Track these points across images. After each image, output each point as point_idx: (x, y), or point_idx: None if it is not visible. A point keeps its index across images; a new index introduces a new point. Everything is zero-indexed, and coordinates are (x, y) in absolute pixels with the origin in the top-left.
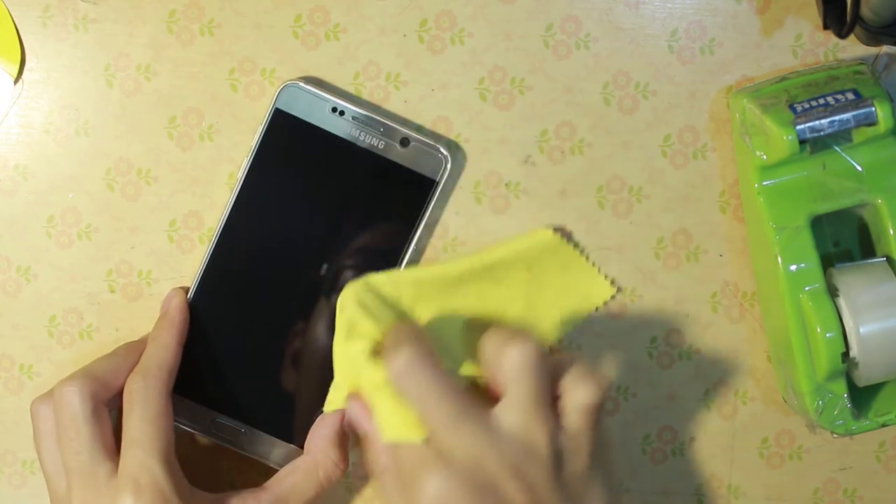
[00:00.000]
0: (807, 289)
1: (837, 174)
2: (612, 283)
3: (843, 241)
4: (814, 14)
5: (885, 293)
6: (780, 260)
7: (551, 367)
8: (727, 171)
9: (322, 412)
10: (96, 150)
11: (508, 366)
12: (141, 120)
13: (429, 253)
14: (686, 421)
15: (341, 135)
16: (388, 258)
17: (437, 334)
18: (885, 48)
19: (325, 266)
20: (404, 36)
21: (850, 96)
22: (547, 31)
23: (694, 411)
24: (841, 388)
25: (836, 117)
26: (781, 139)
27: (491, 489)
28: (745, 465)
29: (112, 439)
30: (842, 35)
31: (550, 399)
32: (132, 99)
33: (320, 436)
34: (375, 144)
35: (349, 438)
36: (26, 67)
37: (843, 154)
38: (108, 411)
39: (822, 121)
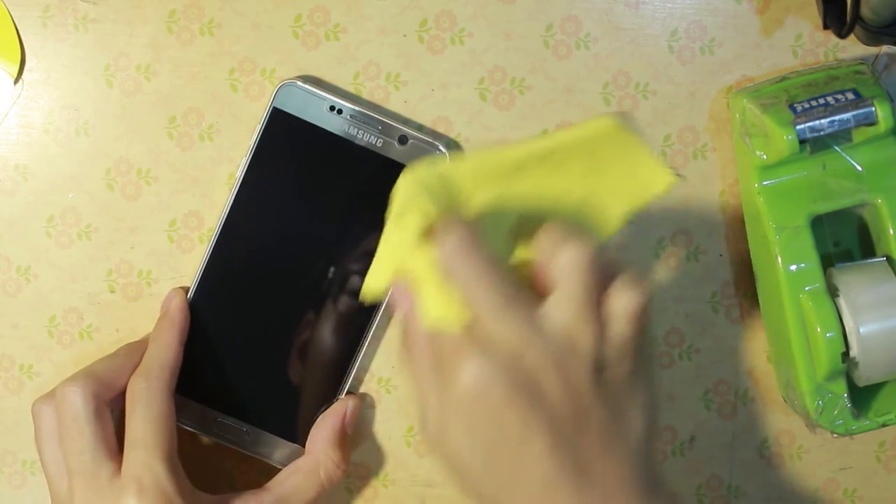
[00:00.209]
0: (807, 289)
1: (837, 174)
2: (671, 170)
3: (843, 241)
4: (814, 14)
5: (885, 293)
6: (780, 260)
7: (602, 269)
8: (727, 171)
9: (324, 412)
10: (96, 150)
11: (564, 262)
12: (141, 120)
13: None
14: (686, 421)
15: (339, 133)
16: None
17: (492, 221)
18: (885, 48)
19: (324, 264)
20: (404, 36)
21: (850, 96)
22: (547, 31)
23: (694, 411)
24: (841, 388)
25: (836, 117)
26: (781, 139)
27: (529, 381)
28: (745, 465)
29: (114, 440)
30: (842, 35)
31: (597, 300)
32: (132, 99)
33: (321, 436)
34: (373, 142)
35: (350, 439)
36: (26, 67)
37: (843, 154)
38: (111, 412)
39: (822, 121)
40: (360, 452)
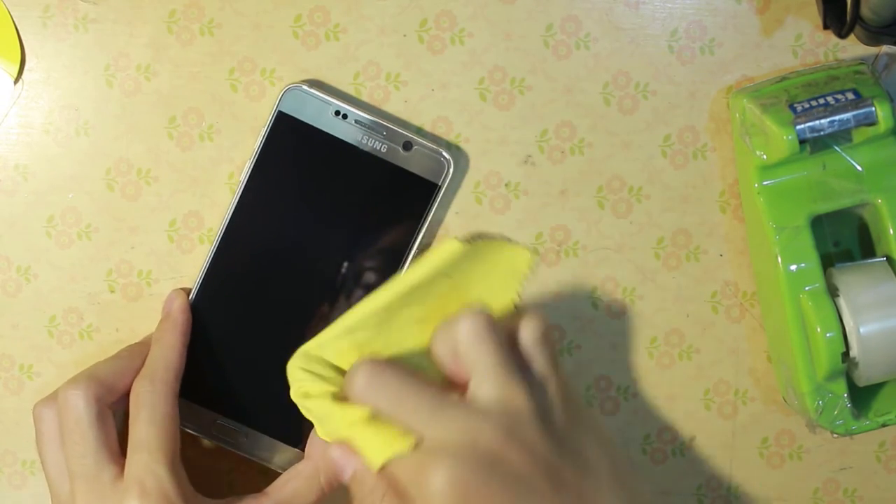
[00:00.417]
0: (807, 289)
1: (837, 174)
2: (526, 247)
3: (843, 241)
4: (814, 14)
5: (885, 293)
6: (780, 260)
7: (506, 330)
8: (727, 171)
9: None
10: (96, 150)
11: (463, 344)
12: (141, 120)
13: None
14: (686, 421)
15: (344, 138)
16: (390, 261)
17: (393, 351)
18: (885, 48)
19: (326, 269)
20: (404, 36)
21: (850, 96)
22: (547, 31)
23: (694, 411)
24: (841, 388)
25: (836, 117)
26: (781, 139)
27: (493, 461)
28: (745, 465)
29: (116, 443)
30: (842, 35)
31: (515, 361)
32: (132, 99)
33: (321, 441)
34: (378, 148)
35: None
36: (26, 67)
37: (843, 154)
38: (113, 414)
39: (822, 121)
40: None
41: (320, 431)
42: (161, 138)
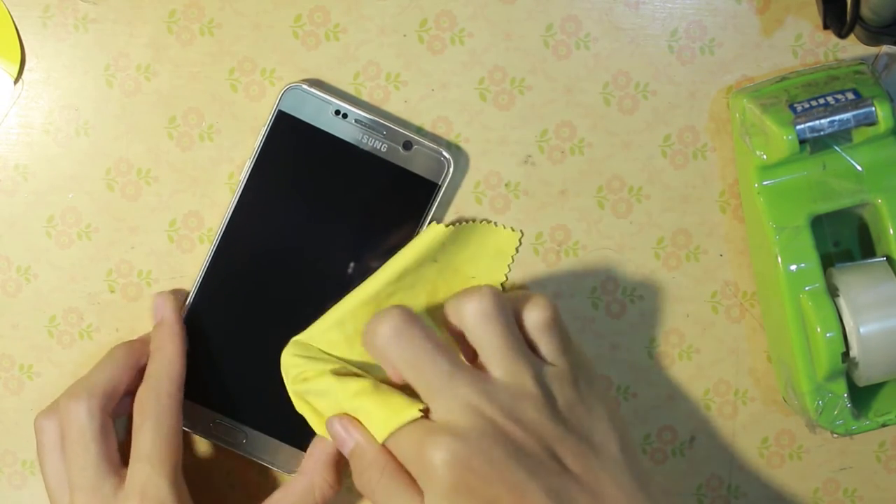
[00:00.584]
0: (807, 289)
1: (837, 174)
2: (513, 228)
3: (843, 241)
4: (814, 14)
5: (885, 293)
6: (780, 260)
7: (512, 306)
8: (727, 171)
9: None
10: (96, 150)
11: (471, 322)
12: (141, 120)
13: None
14: (686, 421)
15: (344, 138)
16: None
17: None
18: (885, 48)
19: (326, 268)
20: (404, 36)
21: (850, 96)
22: (547, 31)
23: (694, 411)
24: (841, 388)
25: (836, 117)
26: (781, 139)
27: (495, 440)
28: (745, 465)
29: (117, 454)
30: (842, 35)
31: (523, 342)
32: (132, 99)
33: (316, 457)
34: (378, 147)
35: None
36: (26, 67)
37: (843, 154)
38: (113, 423)
39: (822, 121)
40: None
41: (322, 409)
42: (161, 138)
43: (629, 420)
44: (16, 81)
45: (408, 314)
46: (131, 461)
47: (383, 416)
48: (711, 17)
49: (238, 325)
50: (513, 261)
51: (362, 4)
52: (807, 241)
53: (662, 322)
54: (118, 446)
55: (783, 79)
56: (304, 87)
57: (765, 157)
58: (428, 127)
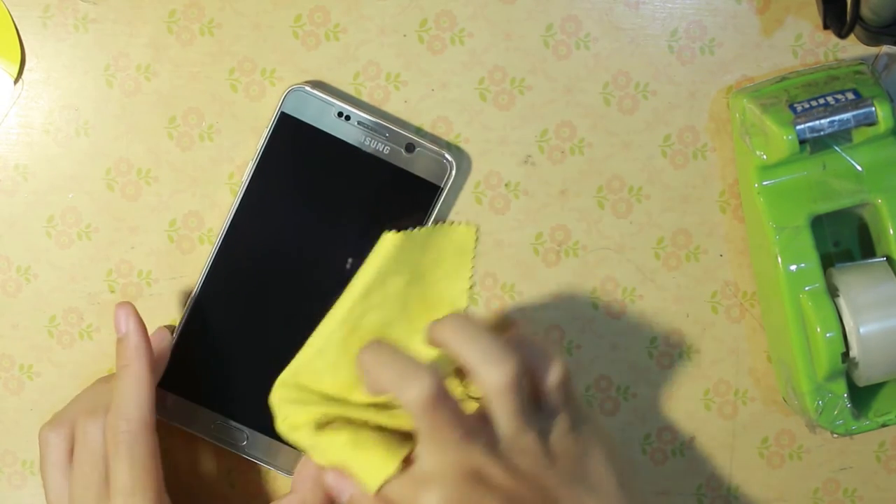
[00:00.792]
0: (807, 289)
1: (837, 174)
2: (467, 223)
3: (843, 241)
4: (814, 14)
5: (885, 293)
6: (780, 260)
7: (527, 360)
8: (727, 171)
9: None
10: (96, 150)
11: (489, 391)
12: (141, 120)
13: None
14: (686, 421)
15: (347, 140)
16: None
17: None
18: (885, 48)
19: (328, 270)
20: (404, 36)
21: (850, 96)
22: (547, 31)
23: (694, 411)
24: (841, 388)
25: (836, 117)
26: (781, 139)
27: (486, 484)
28: (745, 465)
29: None
30: (842, 35)
31: (530, 400)
32: (132, 99)
33: (307, 475)
34: (381, 150)
35: None
36: (26, 67)
37: (843, 154)
38: None
39: (822, 121)
40: None
41: (316, 458)
42: (161, 138)
43: (629, 420)
44: (16, 81)
45: (437, 383)
46: (111, 495)
47: (370, 467)
48: (711, 17)
49: (239, 326)
50: (474, 255)
51: (362, 4)
52: (807, 241)
53: (662, 322)
54: None
55: (783, 79)
56: (307, 88)
57: (765, 157)
58: (428, 127)
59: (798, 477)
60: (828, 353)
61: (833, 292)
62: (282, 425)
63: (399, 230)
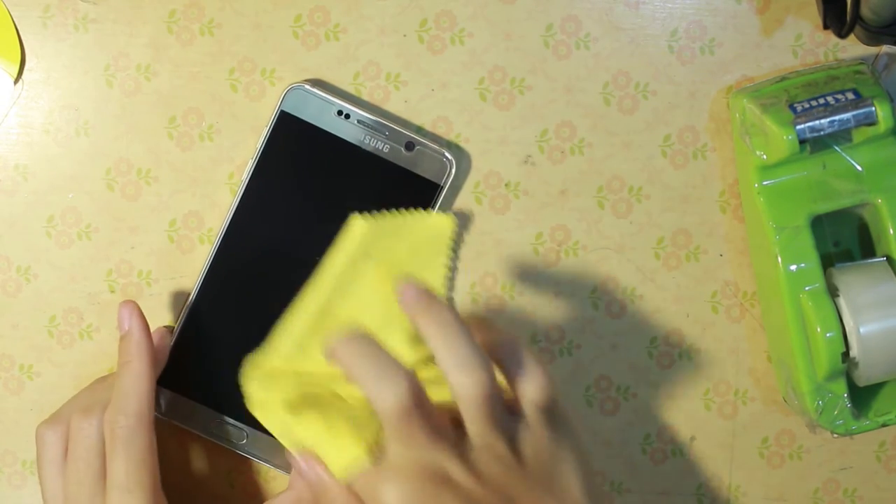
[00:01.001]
0: (807, 289)
1: (837, 174)
2: (445, 212)
3: (843, 241)
4: (814, 14)
5: (885, 293)
6: (780, 260)
7: (490, 347)
8: (727, 171)
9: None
10: (96, 150)
11: (463, 395)
12: (141, 120)
13: None
14: (686, 421)
15: (346, 138)
16: None
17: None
18: (885, 48)
19: None
20: (404, 36)
21: (850, 96)
22: (547, 31)
23: (694, 411)
24: (841, 388)
25: (836, 117)
26: (781, 139)
27: (447, 483)
28: (745, 465)
29: None
30: (842, 35)
31: (506, 408)
32: (132, 99)
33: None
34: (380, 148)
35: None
36: (26, 67)
37: (843, 154)
38: None
39: (822, 121)
40: None
41: (283, 441)
42: (161, 138)
43: (629, 420)
44: (16, 81)
45: (418, 388)
46: (107, 489)
47: (337, 455)
48: (711, 17)
49: (239, 325)
50: (453, 247)
51: (362, 4)
52: (807, 241)
53: (662, 322)
54: None
55: (783, 79)
56: (307, 87)
57: (765, 157)
58: (428, 127)
59: (798, 477)
60: (828, 353)
61: (833, 292)
62: (253, 404)
63: (367, 213)
